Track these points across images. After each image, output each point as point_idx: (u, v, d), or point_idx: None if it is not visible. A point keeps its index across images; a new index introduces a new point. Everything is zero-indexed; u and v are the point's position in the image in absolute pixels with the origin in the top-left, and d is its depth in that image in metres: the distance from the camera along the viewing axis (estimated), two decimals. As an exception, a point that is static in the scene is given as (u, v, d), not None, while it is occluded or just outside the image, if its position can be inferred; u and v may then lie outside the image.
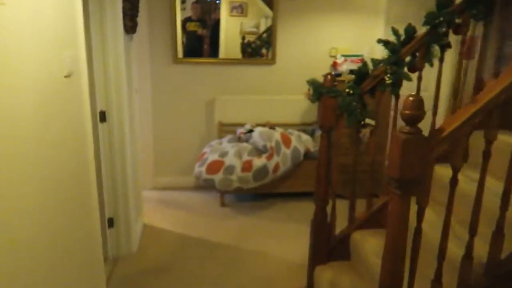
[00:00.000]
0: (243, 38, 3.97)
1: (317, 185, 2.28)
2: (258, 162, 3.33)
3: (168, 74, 3.87)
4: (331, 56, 4.00)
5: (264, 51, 4.02)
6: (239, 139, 3.69)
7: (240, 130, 3.78)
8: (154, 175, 4.07)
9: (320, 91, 2.13)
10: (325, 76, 2.15)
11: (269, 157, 3.37)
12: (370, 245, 2.13)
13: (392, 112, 2.63)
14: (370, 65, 2.15)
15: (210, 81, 3.95)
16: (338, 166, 2.29)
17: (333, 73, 3.80)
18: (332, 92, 2.10)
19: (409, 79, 2.05)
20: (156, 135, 3.99)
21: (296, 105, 4.05)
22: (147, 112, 3.90)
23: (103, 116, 2.51)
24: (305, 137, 3.70)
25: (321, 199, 2.28)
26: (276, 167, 3.40)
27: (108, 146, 2.58)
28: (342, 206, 2.41)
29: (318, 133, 3.75)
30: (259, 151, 3.45)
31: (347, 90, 2.14)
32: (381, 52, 2.31)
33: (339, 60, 3.77)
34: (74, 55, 1.75)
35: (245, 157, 3.37)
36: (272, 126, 3.73)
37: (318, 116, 2.28)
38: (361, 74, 2.13)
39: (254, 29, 3.96)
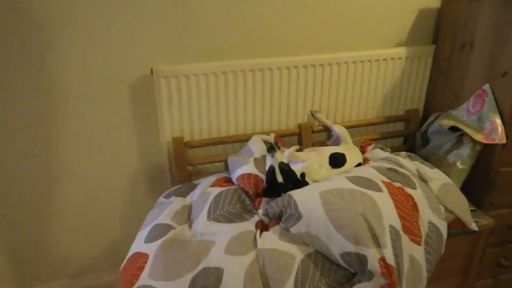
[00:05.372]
0: None
1: None
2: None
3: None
4: None
5: None
6: (253, 209, 1.18)
7: (241, 172, 1.27)
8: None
9: None
10: None
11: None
12: None
13: None
14: None
15: (134, 19, 1.33)
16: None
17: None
18: None
19: None
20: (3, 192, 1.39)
21: (378, 72, 1.57)
22: None
23: None
24: (432, 175, 1.27)
25: None
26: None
27: None
28: None
29: (440, 138, 1.37)
30: (336, 273, 0.99)
31: None
32: None
33: None
34: None
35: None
36: (322, 143, 1.26)
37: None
38: None
39: None
